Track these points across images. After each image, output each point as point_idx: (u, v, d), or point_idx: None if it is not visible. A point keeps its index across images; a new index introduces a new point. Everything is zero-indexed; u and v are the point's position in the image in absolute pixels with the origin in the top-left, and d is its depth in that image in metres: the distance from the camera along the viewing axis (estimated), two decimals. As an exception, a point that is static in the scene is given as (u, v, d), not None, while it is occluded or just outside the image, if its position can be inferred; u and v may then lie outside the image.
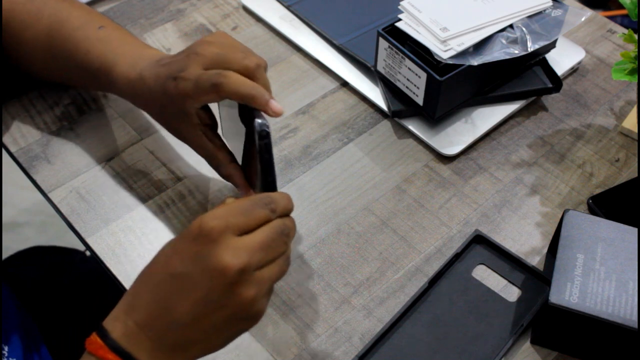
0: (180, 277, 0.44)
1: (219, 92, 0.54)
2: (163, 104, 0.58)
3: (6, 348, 0.65)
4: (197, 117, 0.57)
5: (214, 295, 0.43)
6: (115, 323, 0.45)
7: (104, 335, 0.44)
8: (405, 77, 0.70)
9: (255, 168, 0.53)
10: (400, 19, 0.70)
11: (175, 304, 0.44)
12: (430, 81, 0.67)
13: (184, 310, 0.44)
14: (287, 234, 0.47)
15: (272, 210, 0.46)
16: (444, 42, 0.66)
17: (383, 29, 0.70)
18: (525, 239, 0.64)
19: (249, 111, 0.54)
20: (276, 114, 0.53)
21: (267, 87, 0.55)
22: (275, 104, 0.53)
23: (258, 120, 0.50)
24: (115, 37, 0.64)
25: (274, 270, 0.46)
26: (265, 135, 0.50)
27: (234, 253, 0.43)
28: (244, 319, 0.45)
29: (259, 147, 0.50)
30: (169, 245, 0.46)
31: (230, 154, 0.60)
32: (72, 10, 0.66)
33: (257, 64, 0.55)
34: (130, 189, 0.66)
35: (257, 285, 0.44)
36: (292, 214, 0.64)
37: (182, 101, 0.56)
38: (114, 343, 0.44)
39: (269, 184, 0.51)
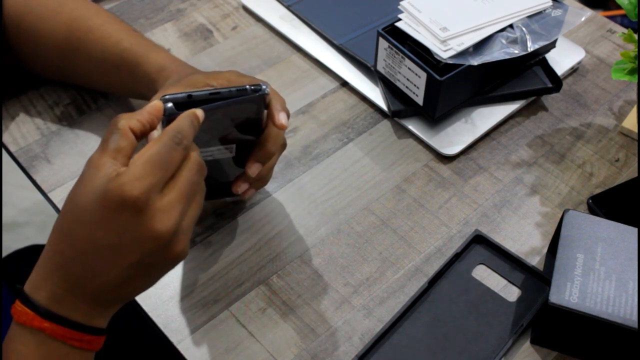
0: (109, 247, 0.43)
1: (254, 79, 0.56)
2: (189, 77, 0.58)
3: (5, 348, 0.65)
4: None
5: (148, 258, 0.44)
6: (39, 292, 0.44)
7: (33, 305, 0.44)
8: (405, 77, 0.70)
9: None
10: (400, 19, 0.70)
11: (107, 269, 0.44)
12: (430, 81, 0.67)
13: (118, 274, 0.44)
14: (201, 171, 0.47)
15: (185, 147, 0.45)
16: (443, 42, 0.66)
17: (383, 29, 0.70)
18: (525, 239, 0.64)
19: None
20: (282, 126, 0.54)
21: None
22: (284, 117, 0.55)
23: (263, 85, 0.53)
24: (149, 40, 0.67)
25: (195, 211, 0.46)
26: (263, 97, 0.52)
27: (163, 217, 0.43)
28: (175, 263, 0.47)
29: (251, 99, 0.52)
30: (86, 214, 0.43)
31: None
32: (99, 10, 0.68)
33: None
34: (130, 189, 0.66)
35: (186, 234, 0.45)
36: (292, 214, 0.65)
37: (215, 77, 0.57)
38: (45, 310, 0.44)
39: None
